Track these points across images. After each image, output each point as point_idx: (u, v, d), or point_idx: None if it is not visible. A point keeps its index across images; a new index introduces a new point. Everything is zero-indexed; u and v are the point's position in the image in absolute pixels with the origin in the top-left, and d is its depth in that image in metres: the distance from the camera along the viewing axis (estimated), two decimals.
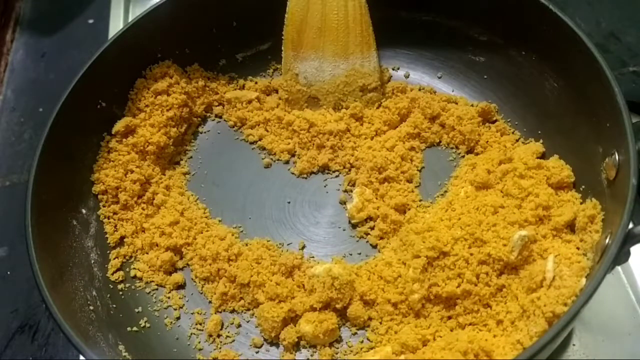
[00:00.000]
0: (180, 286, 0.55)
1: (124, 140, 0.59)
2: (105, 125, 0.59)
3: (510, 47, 0.57)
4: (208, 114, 0.66)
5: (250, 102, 0.64)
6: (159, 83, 0.62)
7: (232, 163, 0.63)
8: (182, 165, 0.63)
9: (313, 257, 0.55)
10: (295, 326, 0.51)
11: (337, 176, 0.60)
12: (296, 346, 0.51)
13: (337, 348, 0.50)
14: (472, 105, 0.60)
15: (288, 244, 0.57)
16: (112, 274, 0.55)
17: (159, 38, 0.62)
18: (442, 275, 0.49)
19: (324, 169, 0.61)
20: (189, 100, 0.63)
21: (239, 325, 0.53)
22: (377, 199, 0.57)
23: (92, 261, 0.54)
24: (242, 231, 0.58)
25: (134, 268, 0.56)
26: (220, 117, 0.66)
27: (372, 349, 0.49)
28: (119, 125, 0.59)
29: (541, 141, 0.55)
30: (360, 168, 0.59)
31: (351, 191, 0.58)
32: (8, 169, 0.73)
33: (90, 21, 0.86)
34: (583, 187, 0.49)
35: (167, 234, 0.56)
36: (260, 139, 0.63)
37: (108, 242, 0.56)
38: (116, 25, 0.80)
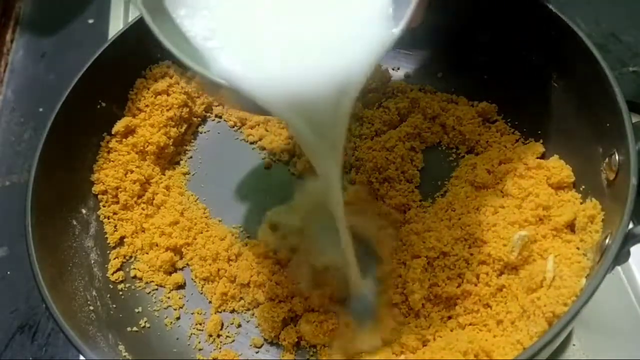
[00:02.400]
0: (180, 286, 0.55)
1: (124, 140, 0.59)
2: (105, 126, 0.59)
3: (510, 47, 0.57)
4: (208, 114, 0.66)
5: None
6: (159, 83, 0.62)
7: (232, 163, 0.63)
8: (182, 165, 0.63)
9: None
10: (295, 326, 0.51)
11: None
12: (296, 346, 0.51)
13: None
14: (472, 106, 0.60)
15: None
16: (112, 274, 0.55)
17: None
18: (442, 275, 0.49)
19: None
20: (189, 101, 0.63)
21: (239, 325, 0.53)
22: (377, 199, 0.57)
23: (92, 261, 0.54)
24: (242, 231, 0.58)
25: (134, 268, 0.56)
26: (220, 117, 0.66)
27: None
28: (119, 126, 0.59)
29: (541, 141, 0.55)
30: (360, 168, 0.58)
31: None
32: (8, 169, 0.73)
33: (90, 21, 0.86)
34: (583, 187, 0.49)
35: (167, 234, 0.56)
36: (260, 139, 0.63)
37: (108, 242, 0.56)
38: (116, 25, 0.80)
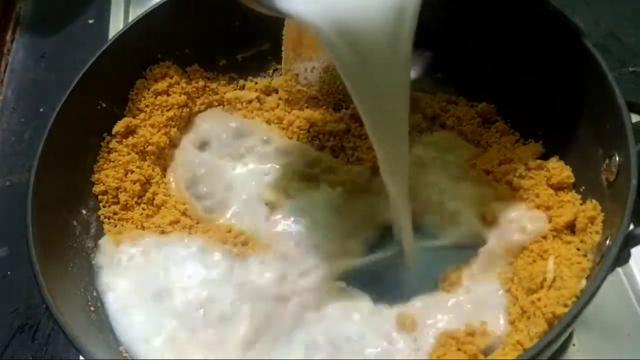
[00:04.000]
0: None
1: (124, 140, 0.59)
2: (105, 126, 0.59)
3: (510, 47, 0.57)
4: None
5: (250, 102, 0.64)
6: (159, 83, 0.62)
7: None
8: None
9: None
10: None
11: None
12: None
13: None
14: (471, 106, 0.60)
15: None
16: None
17: (159, 38, 0.61)
18: None
19: None
20: (189, 101, 0.63)
21: None
22: None
23: (93, 261, 0.55)
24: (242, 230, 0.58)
25: None
26: None
27: None
28: (119, 126, 0.59)
29: (541, 142, 0.55)
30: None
31: None
32: (8, 169, 0.73)
33: (91, 21, 0.86)
34: (583, 188, 0.49)
35: (167, 234, 0.56)
36: None
37: None
38: (116, 25, 0.80)
